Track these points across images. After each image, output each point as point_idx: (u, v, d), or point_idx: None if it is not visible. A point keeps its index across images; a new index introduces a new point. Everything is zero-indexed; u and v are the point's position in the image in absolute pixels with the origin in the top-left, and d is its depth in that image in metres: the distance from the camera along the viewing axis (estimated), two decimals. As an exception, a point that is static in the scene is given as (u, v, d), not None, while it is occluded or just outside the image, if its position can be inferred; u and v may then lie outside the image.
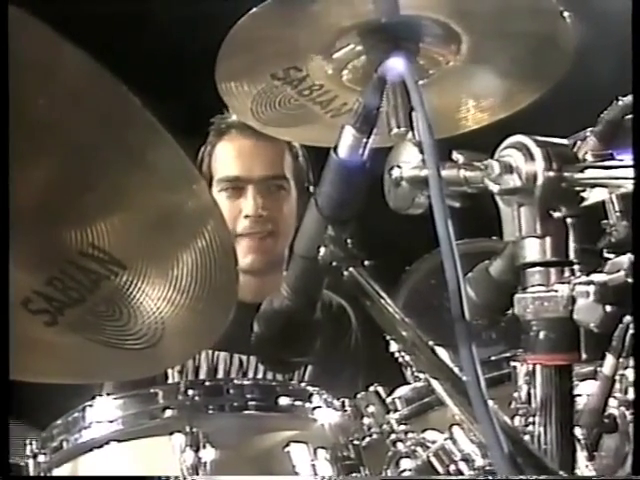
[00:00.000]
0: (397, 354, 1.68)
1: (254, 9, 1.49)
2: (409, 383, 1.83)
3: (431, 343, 1.33)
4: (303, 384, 2.34)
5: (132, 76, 1.45)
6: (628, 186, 1.29)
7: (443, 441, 1.59)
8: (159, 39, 3.45)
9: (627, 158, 1.35)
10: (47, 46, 1.39)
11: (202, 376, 2.60)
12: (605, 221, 1.38)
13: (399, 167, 1.44)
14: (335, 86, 1.68)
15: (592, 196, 1.35)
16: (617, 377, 1.73)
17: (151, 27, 3.44)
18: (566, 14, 1.58)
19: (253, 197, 2.66)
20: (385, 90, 1.49)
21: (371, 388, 1.77)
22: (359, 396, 1.77)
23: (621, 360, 1.68)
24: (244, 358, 2.65)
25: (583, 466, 1.60)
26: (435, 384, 1.31)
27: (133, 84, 1.47)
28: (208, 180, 2.70)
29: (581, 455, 1.62)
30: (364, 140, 1.47)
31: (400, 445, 1.64)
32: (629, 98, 1.43)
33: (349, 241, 1.49)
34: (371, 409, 1.74)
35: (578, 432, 1.65)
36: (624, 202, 1.37)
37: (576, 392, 1.73)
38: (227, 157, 2.72)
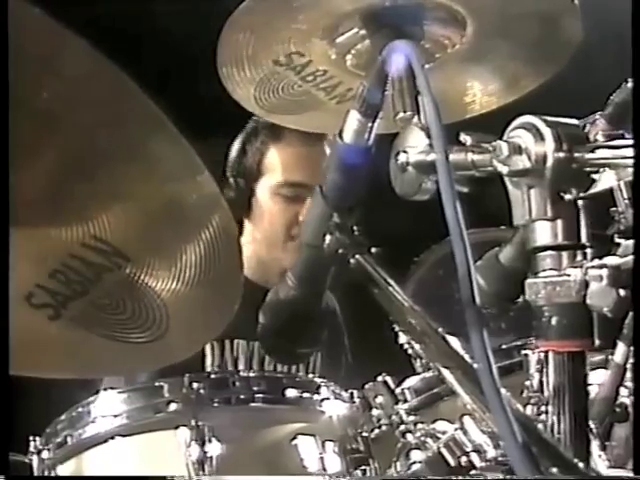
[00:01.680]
0: (406, 345, 1.65)
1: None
2: (417, 373, 1.81)
3: (441, 331, 1.30)
4: (310, 375, 2.32)
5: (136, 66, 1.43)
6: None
7: (454, 432, 1.57)
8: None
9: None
10: (48, 36, 1.38)
11: (241, 367, 2.57)
12: (614, 208, 1.35)
13: (405, 152, 1.42)
14: (339, 71, 1.65)
15: (600, 183, 1.32)
16: (628, 365, 1.71)
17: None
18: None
19: None
20: (390, 74, 1.46)
21: (379, 378, 1.75)
22: (367, 386, 1.75)
23: (632, 348, 1.66)
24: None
25: (596, 456, 1.58)
26: (446, 373, 1.29)
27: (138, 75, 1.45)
28: (254, 177, 2.69)
29: (594, 444, 1.60)
30: (369, 124, 1.44)
31: (410, 436, 1.62)
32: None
33: (355, 228, 1.46)
34: (379, 400, 1.72)
35: (590, 421, 1.63)
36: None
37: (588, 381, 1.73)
38: (290, 162, 2.68)
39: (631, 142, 1.32)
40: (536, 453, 1.03)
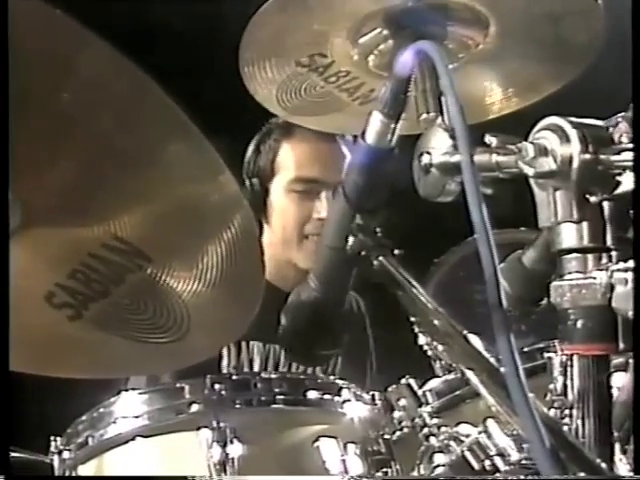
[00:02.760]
0: (426, 346, 1.64)
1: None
2: (439, 376, 1.79)
3: (465, 332, 1.29)
4: (332, 377, 2.31)
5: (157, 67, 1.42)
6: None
7: (477, 435, 1.56)
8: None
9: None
10: (69, 38, 1.37)
11: (256, 368, 2.57)
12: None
13: (429, 153, 1.41)
14: (362, 72, 1.65)
15: (623, 185, 1.31)
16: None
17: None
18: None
19: (328, 200, 2.60)
20: (413, 74, 1.46)
21: (402, 380, 1.74)
22: (390, 389, 1.74)
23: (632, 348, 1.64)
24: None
25: (617, 459, 1.56)
26: (470, 375, 1.28)
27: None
28: (268, 175, 2.69)
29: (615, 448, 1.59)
30: (392, 126, 1.44)
31: (433, 439, 1.61)
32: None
33: (378, 230, 1.46)
34: (402, 402, 1.71)
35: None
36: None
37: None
38: (302, 158, 2.68)
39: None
40: (563, 457, 1.02)
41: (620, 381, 1.72)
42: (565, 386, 1.32)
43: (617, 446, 1.59)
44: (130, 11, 3.31)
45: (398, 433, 1.73)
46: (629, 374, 1.71)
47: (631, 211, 1.33)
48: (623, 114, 1.39)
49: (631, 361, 1.71)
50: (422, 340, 1.57)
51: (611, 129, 1.38)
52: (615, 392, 1.71)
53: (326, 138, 2.50)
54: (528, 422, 0.96)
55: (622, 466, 1.52)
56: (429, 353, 1.66)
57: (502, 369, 1.05)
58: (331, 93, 1.69)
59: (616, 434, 1.61)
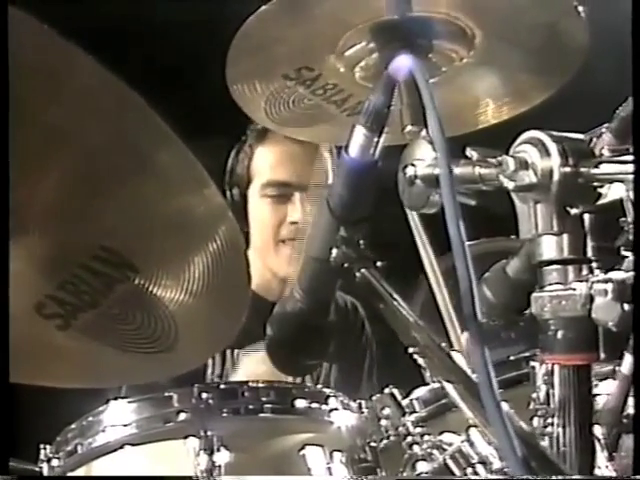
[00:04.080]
0: (415, 355, 1.66)
1: (262, 7, 1.47)
2: (427, 384, 1.81)
3: (444, 345, 1.31)
4: (319, 386, 2.33)
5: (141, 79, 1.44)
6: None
7: (460, 443, 1.57)
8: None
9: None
10: (59, 54, 1.39)
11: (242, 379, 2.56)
12: (623, 219, 1.36)
13: (413, 165, 1.42)
14: (349, 84, 1.66)
15: (610, 193, 1.33)
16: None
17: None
18: (580, 8, 1.56)
19: (301, 203, 2.62)
20: (397, 88, 1.47)
21: (386, 390, 1.75)
22: (374, 398, 1.75)
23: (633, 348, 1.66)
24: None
25: (603, 466, 1.58)
26: (449, 388, 1.29)
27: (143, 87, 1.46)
28: (245, 183, 2.68)
29: (601, 455, 1.60)
30: (375, 139, 1.45)
31: (416, 448, 1.62)
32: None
33: (361, 242, 1.47)
34: (386, 411, 1.72)
35: (598, 432, 1.63)
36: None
37: (596, 392, 1.72)
38: (274, 161, 2.67)
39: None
40: (535, 467, 1.03)
41: (608, 388, 1.74)
42: (548, 395, 1.33)
43: (605, 453, 1.62)
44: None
45: (385, 441, 1.74)
46: (617, 381, 1.73)
47: (621, 219, 1.35)
48: (607, 125, 1.41)
49: (618, 368, 1.73)
50: (412, 348, 1.59)
51: (595, 139, 1.40)
52: (603, 399, 1.73)
53: (300, 141, 2.50)
54: (500, 432, 0.98)
55: (608, 473, 1.54)
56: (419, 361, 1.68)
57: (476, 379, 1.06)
58: (320, 105, 1.70)
59: (603, 441, 1.63)
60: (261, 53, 1.58)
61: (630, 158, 1.32)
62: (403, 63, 1.39)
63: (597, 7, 1.61)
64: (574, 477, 1.25)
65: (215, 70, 1.61)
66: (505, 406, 1.05)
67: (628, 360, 1.69)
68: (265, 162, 2.68)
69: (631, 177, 1.29)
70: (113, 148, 1.50)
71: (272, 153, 2.68)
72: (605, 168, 1.30)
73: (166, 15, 3.34)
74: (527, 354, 1.79)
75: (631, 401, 1.72)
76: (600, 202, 1.33)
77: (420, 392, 1.78)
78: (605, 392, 1.75)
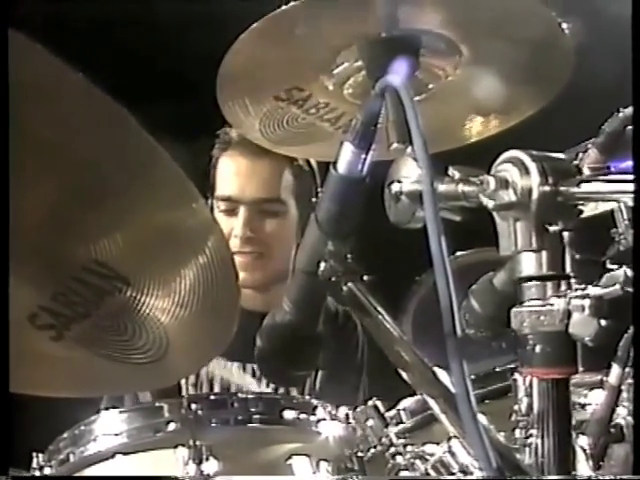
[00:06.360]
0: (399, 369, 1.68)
1: (251, 27, 1.50)
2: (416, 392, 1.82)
3: (426, 361, 1.33)
4: (308, 397, 2.34)
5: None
6: (626, 200, 1.30)
7: (442, 454, 1.60)
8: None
9: (626, 171, 1.36)
10: (49, 72, 1.42)
11: (217, 387, 2.59)
12: (614, 230, 1.38)
13: (399, 182, 1.45)
14: (340, 103, 1.68)
15: (601, 205, 1.35)
16: (625, 386, 1.72)
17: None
18: (564, 25, 1.58)
19: (243, 218, 2.62)
20: (384, 105, 1.50)
21: (369, 402, 1.77)
22: (358, 410, 1.78)
23: (627, 370, 1.68)
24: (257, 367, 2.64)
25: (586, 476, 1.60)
26: (431, 402, 1.32)
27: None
28: (212, 192, 2.68)
29: (586, 465, 1.62)
30: (363, 156, 1.48)
31: (399, 458, 1.64)
32: (630, 110, 1.43)
33: (349, 256, 1.49)
34: (370, 423, 1.74)
35: (584, 442, 1.65)
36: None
37: (586, 401, 1.75)
38: (225, 175, 2.68)
39: (617, 175, 1.35)
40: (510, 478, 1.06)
41: (597, 398, 1.76)
42: (530, 407, 1.36)
43: (590, 463, 1.64)
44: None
45: (372, 450, 1.76)
46: (604, 392, 1.75)
47: (612, 230, 1.37)
48: (593, 140, 1.43)
49: (605, 379, 1.75)
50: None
51: (580, 155, 1.42)
52: (591, 408, 1.75)
53: (260, 154, 2.49)
54: (476, 443, 1.00)
55: (592, 482, 1.56)
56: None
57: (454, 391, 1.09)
58: (314, 124, 1.72)
59: (589, 451, 1.66)
60: (250, 75, 1.60)
61: (611, 177, 1.35)
62: (389, 81, 1.42)
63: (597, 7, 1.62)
64: (575, 477, 1.27)
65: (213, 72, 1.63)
66: (482, 419, 1.08)
67: (615, 371, 1.71)
68: (220, 175, 2.69)
69: (610, 197, 1.32)
70: (104, 163, 1.53)
71: (226, 167, 2.68)
72: (584, 187, 1.32)
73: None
74: (513, 365, 1.80)
75: (619, 411, 1.74)
76: (590, 214, 1.34)
77: (407, 402, 1.80)
78: (595, 402, 1.77)
